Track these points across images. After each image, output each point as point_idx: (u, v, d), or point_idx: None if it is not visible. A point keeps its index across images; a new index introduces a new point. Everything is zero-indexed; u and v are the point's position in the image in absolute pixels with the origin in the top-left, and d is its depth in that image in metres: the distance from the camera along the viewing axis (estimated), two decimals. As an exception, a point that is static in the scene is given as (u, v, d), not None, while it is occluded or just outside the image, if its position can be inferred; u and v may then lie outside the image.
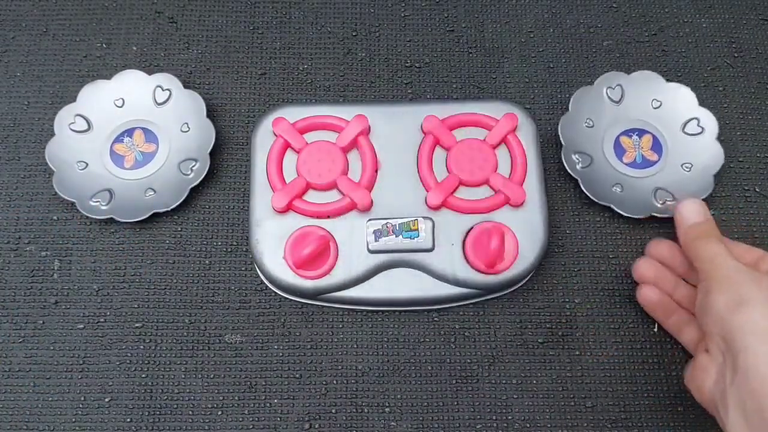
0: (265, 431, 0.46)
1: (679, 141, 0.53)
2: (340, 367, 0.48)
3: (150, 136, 0.53)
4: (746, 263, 0.43)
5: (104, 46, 0.57)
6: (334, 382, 0.47)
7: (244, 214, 0.51)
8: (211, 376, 0.47)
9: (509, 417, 0.47)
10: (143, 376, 0.47)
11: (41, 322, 0.48)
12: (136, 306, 0.49)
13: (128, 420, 0.46)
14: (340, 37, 0.58)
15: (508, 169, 0.49)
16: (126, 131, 0.53)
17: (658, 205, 0.51)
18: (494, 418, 0.47)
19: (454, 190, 0.48)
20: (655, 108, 0.54)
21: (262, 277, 0.49)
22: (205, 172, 0.50)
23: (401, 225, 0.47)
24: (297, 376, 0.48)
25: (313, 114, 0.50)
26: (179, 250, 0.51)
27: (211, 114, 0.53)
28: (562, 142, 0.52)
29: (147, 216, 0.49)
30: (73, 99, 0.53)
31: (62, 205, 0.51)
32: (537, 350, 0.48)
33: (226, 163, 0.53)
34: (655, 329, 0.49)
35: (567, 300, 0.50)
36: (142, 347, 0.48)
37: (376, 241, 0.47)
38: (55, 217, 0.51)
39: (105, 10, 0.58)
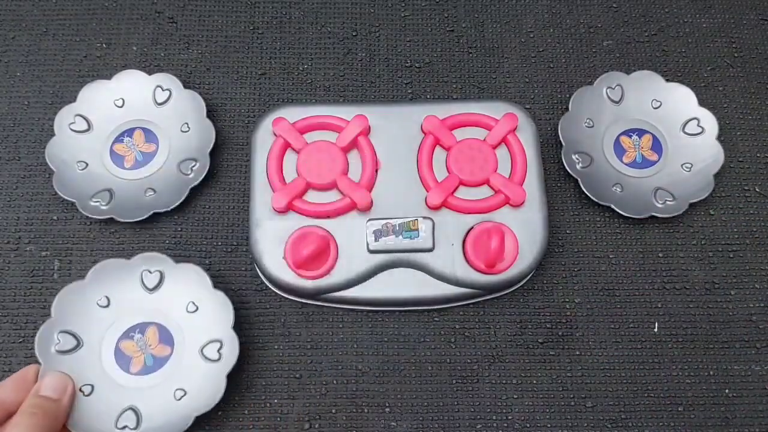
0: (265, 431, 0.46)
1: (679, 141, 0.53)
2: (340, 367, 0.48)
3: (150, 136, 0.53)
4: None
5: (104, 46, 0.57)
6: (334, 382, 0.47)
7: (244, 214, 0.51)
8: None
9: (509, 417, 0.47)
10: (143, 376, 0.47)
11: (41, 322, 0.48)
12: (136, 306, 0.49)
13: (128, 420, 0.46)
14: (340, 37, 0.58)
15: (508, 169, 0.49)
16: (126, 131, 0.53)
17: (658, 205, 0.51)
18: (494, 418, 0.47)
19: (454, 190, 0.48)
20: (655, 108, 0.54)
21: (262, 277, 0.49)
22: (205, 172, 0.50)
23: (401, 225, 0.47)
24: (297, 376, 0.48)
25: (313, 114, 0.50)
26: (179, 250, 0.51)
27: (211, 114, 0.53)
28: (562, 142, 0.52)
29: (147, 216, 0.49)
30: (73, 99, 0.53)
31: (62, 205, 0.51)
32: (537, 350, 0.48)
33: (226, 163, 0.53)
34: (655, 329, 0.49)
35: (567, 300, 0.50)
36: (142, 347, 0.48)
37: (376, 241, 0.47)
38: (55, 217, 0.51)
39: (105, 10, 0.58)
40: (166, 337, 0.46)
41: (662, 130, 0.54)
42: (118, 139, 0.53)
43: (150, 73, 0.54)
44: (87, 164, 0.51)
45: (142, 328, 0.46)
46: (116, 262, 0.47)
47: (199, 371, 0.45)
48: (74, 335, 0.45)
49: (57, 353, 0.44)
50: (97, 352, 0.45)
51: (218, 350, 0.45)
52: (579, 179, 0.51)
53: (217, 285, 0.47)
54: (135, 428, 0.43)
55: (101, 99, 0.53)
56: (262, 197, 0.48)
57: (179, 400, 0.44)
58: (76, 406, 0.43)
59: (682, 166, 0.52)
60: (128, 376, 0.45)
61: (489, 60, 0.57)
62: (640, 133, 0.54)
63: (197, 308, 0.46)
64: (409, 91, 0.56)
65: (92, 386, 0.44)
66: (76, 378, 0.44)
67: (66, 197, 0.50)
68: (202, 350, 0.45)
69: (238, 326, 0.48)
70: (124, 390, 0.44)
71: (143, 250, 0.50)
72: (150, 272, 0.47)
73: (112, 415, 0.43)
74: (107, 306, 0.46)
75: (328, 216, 0.48)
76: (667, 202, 0.51)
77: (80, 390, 0.44)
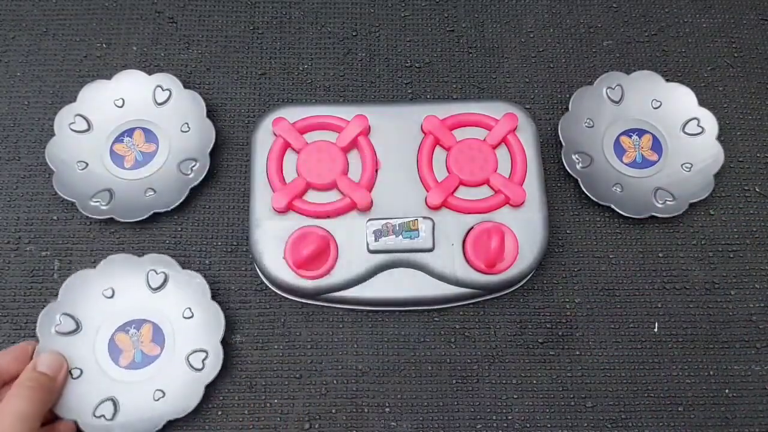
0: (265, 431, 0.46)
1: (679, 141, 0.53)
2: (340, 367, 0.48)
3: (150, 136, 0.53)
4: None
5: (104, 46, 0.57)
6: (334, 382, 0.47)
7: (244, 214, 0.51)
8: (211, 376, 0.47)
9: (509, 417, 0.47)
10: (143, 376, 0.47)
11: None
12: (136, 306, 0.49)
13: (128, 420, 0.46)
14: (340, 37, 0.58)
15: (508, 169, 0.49)
16: (126, 131, 0.53)
17: (658, 205, 0.51)
18: (494, 418, 0.47)
19: (454, 190, 0.48)
20: (655, 108, 0.54)
21: (262, 277, 0.49)
22: (205, 172, 0.50)
23: (401, 225, 0.47)
24: (297, 376, 0.48)
25: (313, 114, 0.50)
26: (179, 250, 0.51)
27: (211, 114, 0.53)
28: (562, 142, 0.52)
29: (147, 216, 0.49)
30: (73, 99, 0.53)
31: (62, 205, 0.51)
32: (537, 350, 0.48)
33: (226, 163, 0.53)
34: (655, 329, 0.49)
35: (567, 300, 0.50)
36: (142, 347, 0.48)
37: (376, 241, 0.47)
38: (55, 217, 0.51)
39: (105, 10, 0.58)
40: (158, 337, 0.47)
41: (662, 130, 0.54)
42: (118, 139, 0.52)
43: (150, 73, 0.54)
44: (87, 164, 0.51)
45: (138, 324, 0.47)
46: (127, 257, 0.48)
47: (181, 377, 0.46)
48: (75, 319, 0.46)
49: (56, 334, 0.46)
50: (93, 340, 0.46)
51: (203, 360, 0.46)
52: (579, 179, 0.51)
53: (215, 294, 0.47)
54: (110, 419, 0.44)
55: (101, 99, 0.53)
56: (262, 197, 0.48)
57: (156, 400, 0.45)
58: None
59: (682, 166, 0.52)
60: (116, 368, 0.46)
61: (489, 60, 0.57)
62: (640, 133, 0.54)
63: (192, 315, 0.47)
64: (409, 91, 0.56)
65: (81, 370, 0.45)
66: (68, 360, 0.45)
67: (66, 197, 0.50)
68: (188, 357, 0.46)
69: (239, 326, 0.48)
70: (109, 380, 0.45)
71: (143, 251, 0.50)
72: (156, 273, 0.48)
73: (92, 402, 0.44)
74: (111, 297, 0.47)
75: (328, 216, 0.48)
76: (667, 202, 0.51)
77: (70, 372, 0.45)
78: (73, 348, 0.46)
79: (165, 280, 0.48)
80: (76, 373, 0.45)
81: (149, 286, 0.47)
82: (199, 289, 0.47)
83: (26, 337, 0.48)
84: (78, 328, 0.46)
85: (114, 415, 0.44)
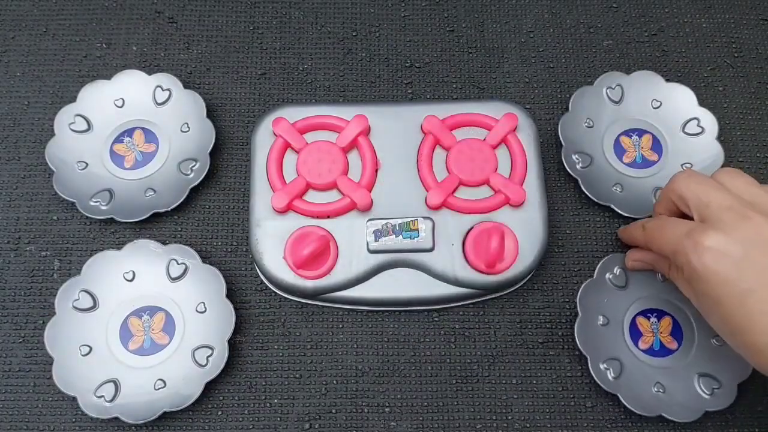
0: (265, 431, 0.46)
1: (679, 141, 0.53)
2: (340, 367, 0.48)
3: (150, 136, 0.53)
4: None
5: (104, 46, 0.57)
6: (334, 382, 0.47)
7: (244, 214, 0.51)
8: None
9: (509, 417, 0.47)
10: (143, 376, 0.47)
11: (41, 322, 0.48)
12: (136, 306, 0.49)
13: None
14: (340, 37, 0.58)
15: (508, 169, 0.49)
16: (126, 131, 0.53)
17: (658, 205, 0.51)
18: (494, 418, 0.47)
19: (454, 190, 0.48)
20: (655, 108, 0.54)
21: (262, 277, 0.49)
22: (205, 172, 0.50)
23: (401, 225, 0.47)
24: (297, 376, 0.48)
25: (313, 114, 0.50)
26: (179, 250, 0.51)
27: (211, 114, 0.53)
28: (562, 142, 0.52)
29: (147, 216, 0.49)
30: (73, 99, 0.53)
31: (62, 205, 0.51)
32: (537, 350, 0.48)
33: (226, 163, 0.53)
34: (655, 329, 0.49)
35: (567, 300, 0.50)
36: (142, 347, 0.48)
37: (376, 241, 0.47)
38: (55, 217, 0.51)
39: (105, 10, 0.58)
40: (169, 327, 0.47)
41: (662, 130, 0.54)
42: (118, 139, 0.52)
43: (150, 73, 0.54)
44: (87, 164, 0.51)
45: (152, 311, 0.47)
46: (152, 243, 0.48)
47: (184, 370, 0.46)
48: (94, 297, 0.47)
49: (73, 308, 0.47)
50: (107, 320, 0.47)
51: (207, 357, 0.46)
52: (579, 179, 0.51)
53: (229, 294, 0.47)
54: (109, 401, 0.44)
55: (101, 99, 0.53)
56: (262, 197, 0.48)
57: (157, 390, 0.45)
58: (70, 363, 0.45)
59: (682, 166, 0.52)
60: (124, 351, 0.46)
61: (489, 60, 0.57)
62: (640, 133, 0.54)
63: (206, 310, 0.47)
64: (409, 91, 0.56)
65: (90, 348, 0.46)
66: (80, 336, 0.46)
67: (66, 197, 0.50)
68: (194, 352, 0.46)
69: (239, 326, 0.48)
70: (115, 362, 0.46)
71: (143, 250, 0.50)
72: (177, 263, 0.48)
73: (95, 382, 0.45)
74: (131, 280, 0.48)
75: (328, 216, 0.48)
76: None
77: (79, 348, 0.45)
78: (86, 325, 0.46)
79: (185, 271, 0.48)
80: (85, 350, 0.46)
81: (169, 275, 0.48)
82: (216, 286, 0.47)
83: (26, 337, 0.48)
84: (95, 305, 0.47)
85: (114, 397, 0.44)
